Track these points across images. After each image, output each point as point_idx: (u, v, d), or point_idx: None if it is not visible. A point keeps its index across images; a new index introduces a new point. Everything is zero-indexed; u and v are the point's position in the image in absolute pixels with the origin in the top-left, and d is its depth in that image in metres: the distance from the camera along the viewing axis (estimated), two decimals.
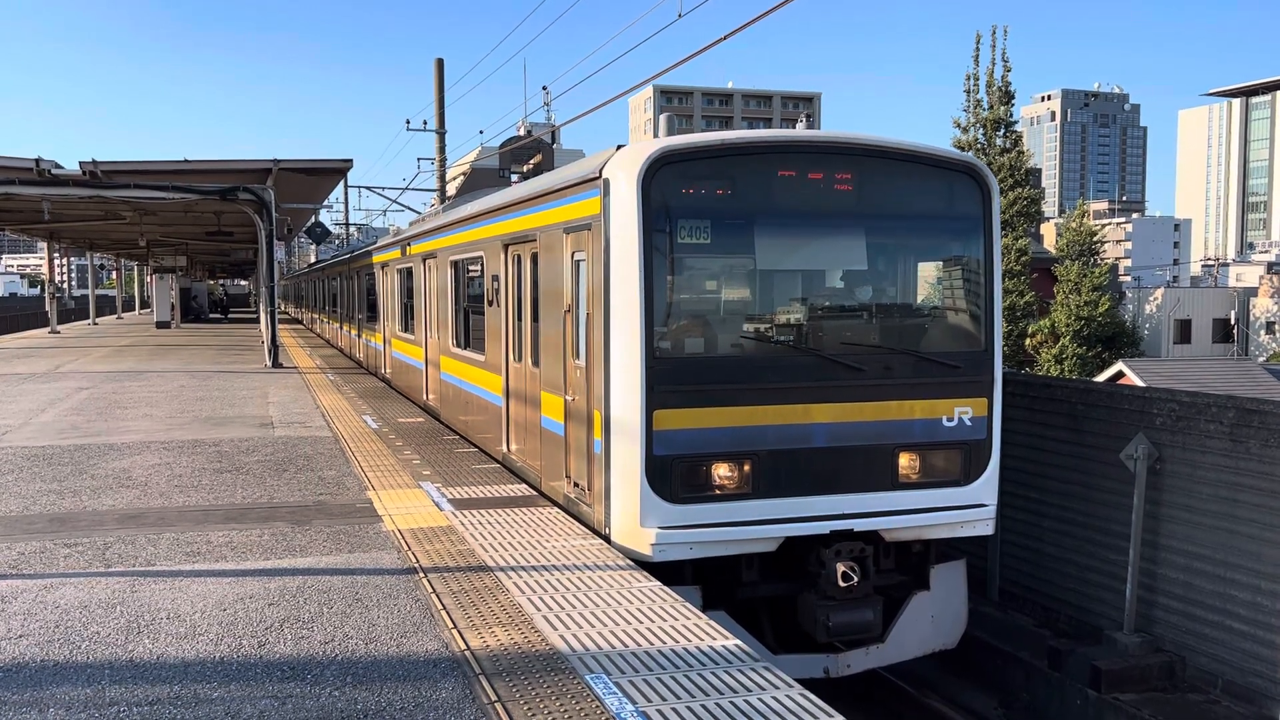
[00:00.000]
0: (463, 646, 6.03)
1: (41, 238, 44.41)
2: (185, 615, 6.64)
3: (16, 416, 16.09)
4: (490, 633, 6.23)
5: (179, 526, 8.98)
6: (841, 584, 8.21)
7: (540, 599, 6.84)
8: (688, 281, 8.55)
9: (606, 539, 8.32)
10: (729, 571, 8.52)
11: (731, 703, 5.19)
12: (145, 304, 71.25)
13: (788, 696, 5.27)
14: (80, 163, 23.58)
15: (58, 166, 23.83)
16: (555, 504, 9.58)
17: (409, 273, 18.58)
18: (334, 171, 28.30)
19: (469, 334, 13.78)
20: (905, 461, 8.65)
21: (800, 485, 8.34)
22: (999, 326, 9.03)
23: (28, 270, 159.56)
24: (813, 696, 5.27)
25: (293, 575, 7.51)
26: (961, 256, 9.12)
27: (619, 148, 8.54)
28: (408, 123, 37.05)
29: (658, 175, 8.01)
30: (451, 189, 39.65)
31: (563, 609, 6.64)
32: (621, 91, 15.13)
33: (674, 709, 5.12)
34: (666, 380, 8.02)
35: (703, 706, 5.15)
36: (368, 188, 41.19)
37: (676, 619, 6.44)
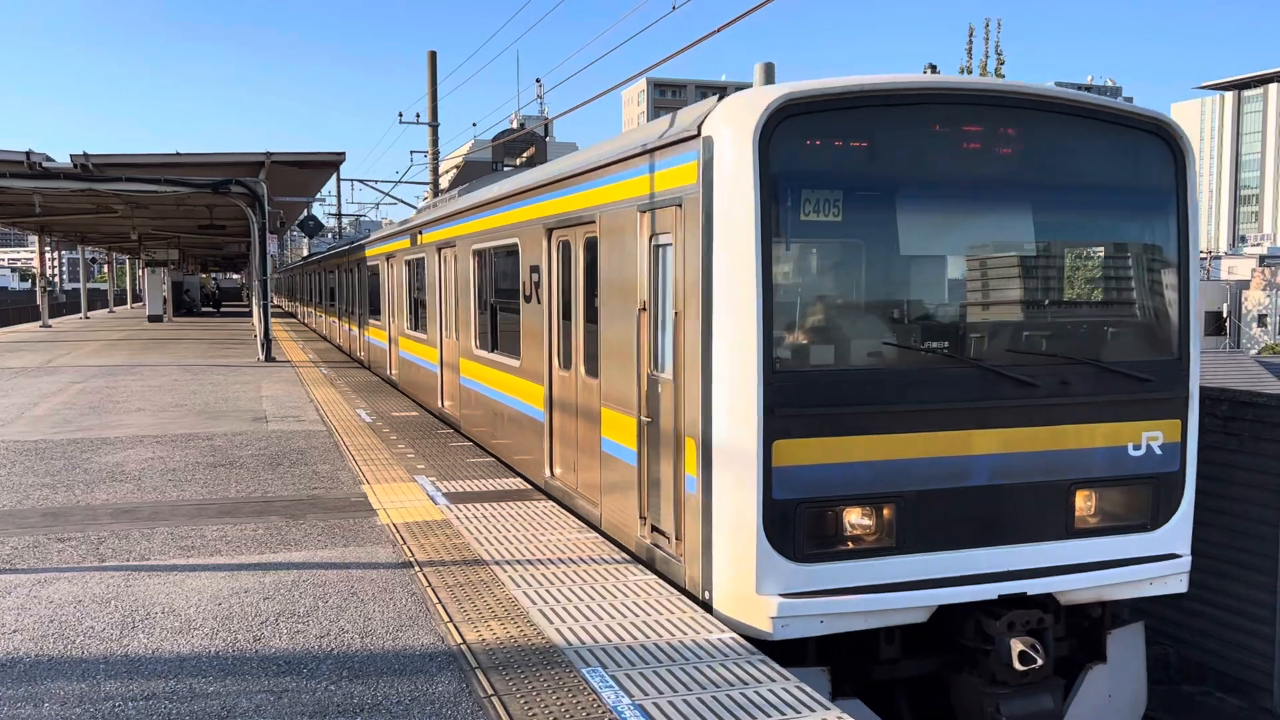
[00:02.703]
0: (459, 640, 6.03)
1: (33, 231, 44.28)
2: (180, 610, 6.63)
3: (8, 411, 16.03)
4: (486, 626, 6.23)
5: (173, 521, 8.96)
6: (1020, 666, 6.53)
7: (536, 592, 6.84)
8: (815, 271, 6.88)
9: (705, 606, 6.64)
10: (862, 646, 6.82)
11: (729, 696, 5.20)
12: (137, 298, 71.12)
13: (784, 689, 5.27)
14: (71, 155, 23.52)
15: (49, 159, 23.75)
16: (626, 551, 7.93)
17: (420, 264, 16.89)
18: (326, 164, 28.25)
19: (498, 334, 12.04)
20: (1083, 502, 6.98)
21: (957, 536, 6.66)
22: (1196, 329, 7.34)
23: (19, 264, 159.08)
24: (809, 689, 5.27)
25: (288, 569, 7.50)
26: (1150, 239, 7.43)
27: (720, 97, 6.81)
28: (400, 115, 37.01)
29: (779, 131, 6.28)
30: (444, 182, 39.60)
31: (558, 602, 6.64)
32: (615, 84, 15.11)
33: (670, 702, 5.13)
34: (789, 401, 6.29)
35: (699, 700, 5.16)
36: (360, 181, 41.00)
37: (673, 612, 6.44)
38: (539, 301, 10.06)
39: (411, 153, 42.30)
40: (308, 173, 29.12)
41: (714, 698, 5.18)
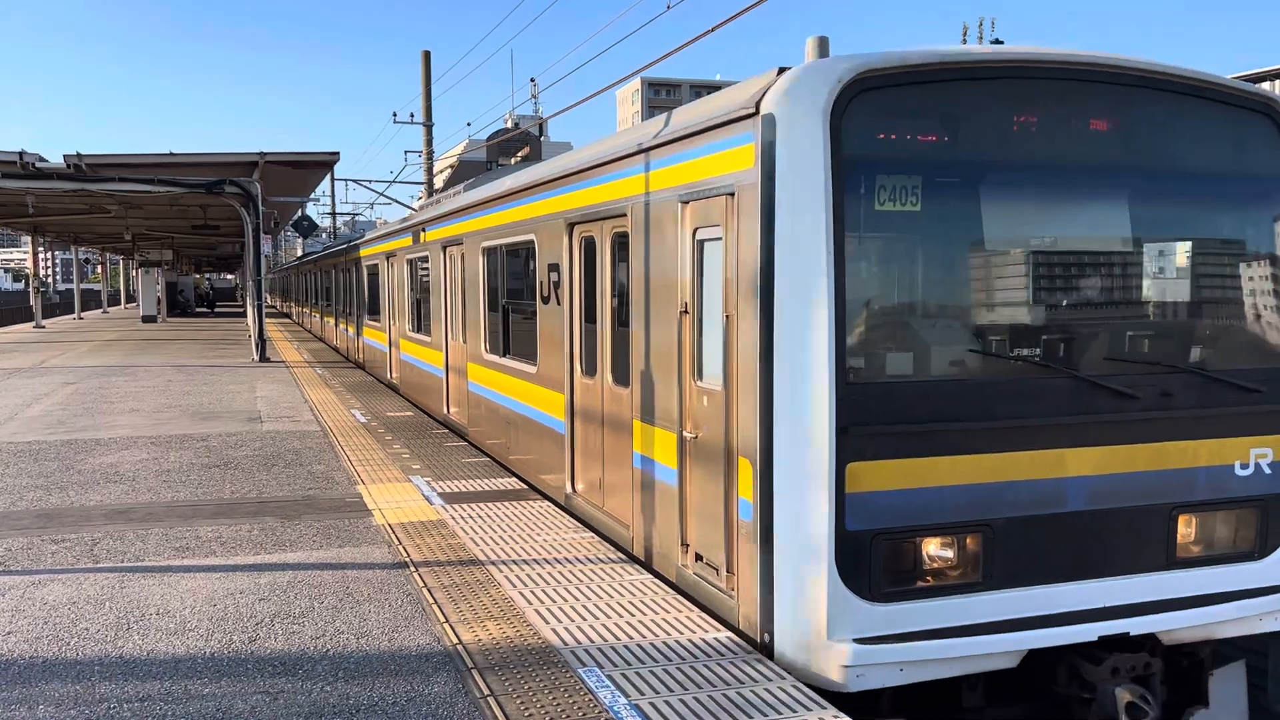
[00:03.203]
0: (455, 640, 6.02)
1: (26, 231, 44.19)
2: (175, 611, 6.61)
3: (1, 412, 15.99)
4: (482, 627, 6.22)
5: (167, 522, 8.94)
6: (1127, 718, 5.80)
7: (532, 592, 6.83)
8: (891, 269, 6.01)
9: (765, 649, 5.88)
10: (942, 694, 6.08)
11: (725, 695, 5.19)
12: (131, 298, 71.01)
13: (780, 689, 5.27)
14: (65, 156, 23.49)
15: (42, 159, 23.71)
16: (658, 576, 7.31)
17: (423, 263, 16.15)
18: (320, 164, 28.21)
19: (510, 338, 11.35)
20: (1184, 528, 6.23)
21: (1049, 568, 5.93)
22: None
23: (12, 265, 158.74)
24: (805, 688, 5.27)
25: (283, 570, 7.48)
26: (1259, 232, 6.62)
27: (780, 71, 5.93)
28: (395, 115, 36.95)
29: (851, 108, 5.51)
30: (439, 181, 39.58)
31: (554, 602, 6.63)
32: (610, 84, 15.13)
33: (667, 702, 5.12)
34: (865, 417, 5.54)
35: (696, 699, 5.15)
36: (355, 181, 41.00)
37: (669, 611, 6.43)
38: (558, 303, 9.34)
39: (406, 152, 42.24)
40: (302, 173, 29.08)
41: (710, 697, 5.17)
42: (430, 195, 34.47)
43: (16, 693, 5.35)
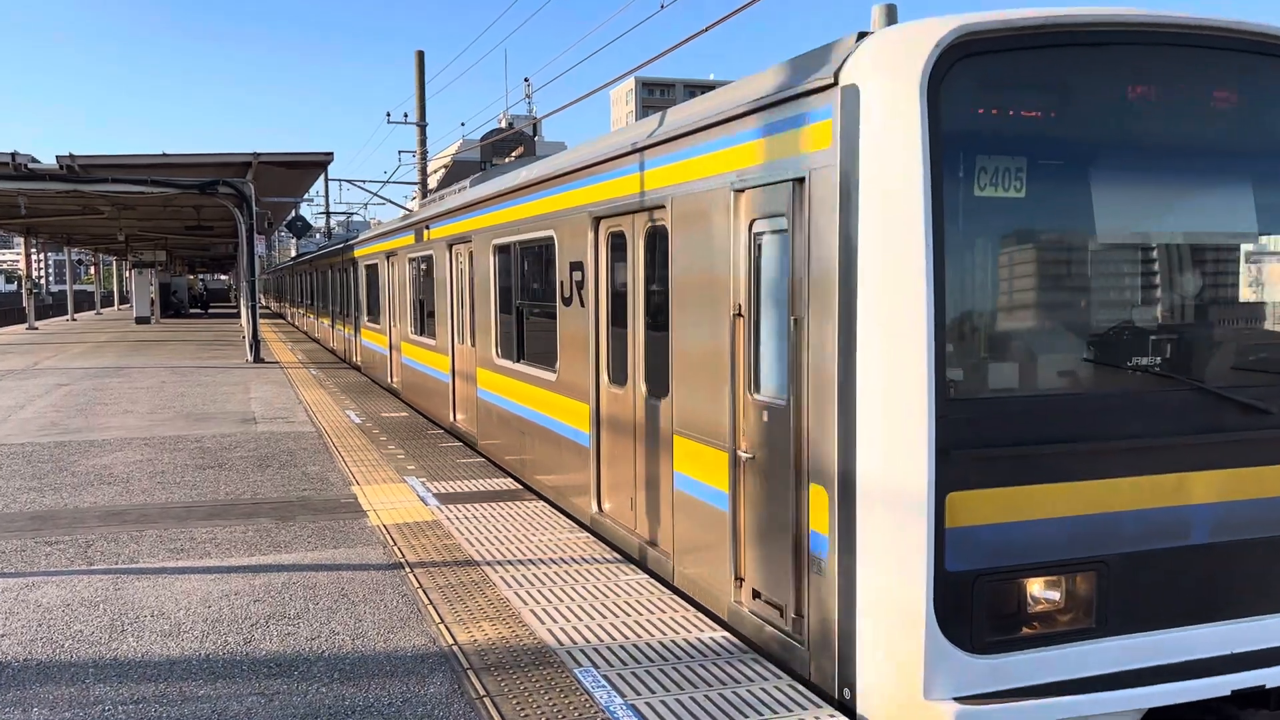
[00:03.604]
0: (450, 641, 6.01)
1: (18, 233, 44.08)
2: (169, 613, 6.60)
3: None
4: (478, 627, 6.22)
5: (162, 523, 8.92)
6: None
7: (528, 593, 6.83)
8: (992, 264, 5.17)
9: (843, 708, 5.14)
10: None
11: (721, 695, 5.19)
12: (124, 299, 70.90)
13: (776, 688, 5.27)
14: (57, 157, 23.42)
15: (34, 160, 23.65)
16: (714, 617, 6.48)
17: (428, 262, 15.38)
18: (314, 164, 28.19)
19: (526, 342, 10.67)
20: None
21: (1171, 611, 5.20)
22: None
23: (4, 266, 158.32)
24: (802, 688, 5.28)
25: (278, 571, 7.47)
26: None
27: (860, 36, 5.20)
28: (388, 115, 36.94)
29: (950, 77, 4.77)
30: (433, 181, 39.57)
31: (550, 602, 6.63)
32: (604, 83, 15.11)
33: (663, 701, 5.12)
34: (967, 439, 4.81)
35: (692, 699, 5.15)
36: (349, 181, 41.06)
37: (665, 611, 6.43)
38: (582, 304, 8.61)
39: (400, 152, 42.24)
40: (296, 173, 29.07)
41: (706, 696, 5.17)
42: (424, 195, 34.45)
43: (11, 695, 5.34)
